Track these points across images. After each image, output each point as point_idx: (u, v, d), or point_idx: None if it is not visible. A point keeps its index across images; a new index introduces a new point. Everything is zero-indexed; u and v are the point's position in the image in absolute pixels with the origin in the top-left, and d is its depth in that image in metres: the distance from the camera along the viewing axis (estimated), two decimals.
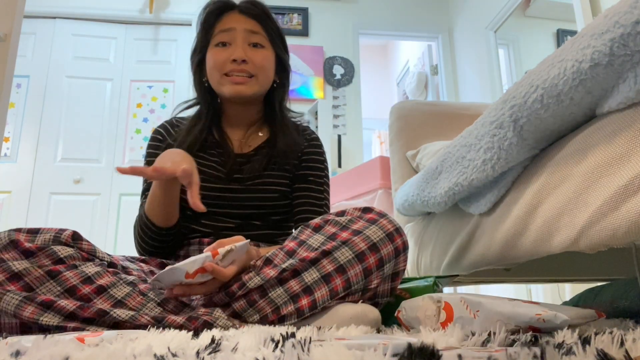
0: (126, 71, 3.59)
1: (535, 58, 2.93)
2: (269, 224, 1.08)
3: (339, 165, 3.44)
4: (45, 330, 0.67)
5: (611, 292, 1.06)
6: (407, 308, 0.80)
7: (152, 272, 0.90)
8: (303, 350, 0.39)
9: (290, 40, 1.17)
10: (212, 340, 0.49)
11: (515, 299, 0.68)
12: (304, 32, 3.83)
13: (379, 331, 0.77)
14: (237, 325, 0.74)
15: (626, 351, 0.38)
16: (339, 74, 3.81)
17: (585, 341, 0.43)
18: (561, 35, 2.76)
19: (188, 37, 3.68)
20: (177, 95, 3.56)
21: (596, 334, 0.46)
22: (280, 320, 0.75)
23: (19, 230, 0.77)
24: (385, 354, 0.37)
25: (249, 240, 0.80)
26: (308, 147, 1.15)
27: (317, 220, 0.86)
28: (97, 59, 3.59)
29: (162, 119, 3.45)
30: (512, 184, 0.90)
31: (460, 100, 3.80)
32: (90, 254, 0.80)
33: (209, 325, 0.71)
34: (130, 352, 0.42)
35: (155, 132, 1.14)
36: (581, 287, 1.48)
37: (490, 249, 0.96)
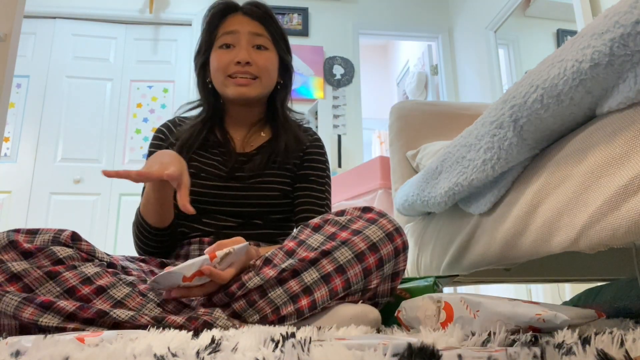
0: (126, 71, 3.59)
1: (535, 58, 2.93)
2: (270, 223, 1.08)
3: (339, 165, 3.44)
4: (45, 331, 0.67)
5: (611, 292, 1.06)
6: (407, 308, 0.80)
7: (152, 272, 0.90)
8: (303, 350, 0.39)
9: (290, 40, 1.18)
10: (212, 340, 0.49)
11: (515, 299, 0.68)
12: (304, 32, 3.83)
13: (379, 331, 0.77)
14: (237, 326, 0.74)
15: (626, 351, 0.38)
16: (339, 74, 3.81)
17: (585, 341, 0.43)
18: (561, 35, 2.76)
19: (188, 37, 3.68)
20: (177, 95, 3.56)
21: (596, 334, 0.46)
22: (280, 320, 0.75)
23: (17, 230, 0.76)
24: (385, 354, 0.37)
25: (248, 242, 0.80)
26: (310, 147, 1.15)
27: (316, 220, 0.86)
28: (97, 59, 3.59)
29: (162, 119, 3.46)
30: (512, 184, 0.90)
31: (460, 100, 3.80)
32: (90, 255, 0.80)
33: (209, 326, 0.71)
34: (130, 352, 0.42)
35: (158, 131, 1.15)
36: (581, 287, 1.48)
37: (490, 249, 0.96)
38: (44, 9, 3.53)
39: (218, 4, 1.11)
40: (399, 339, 0.52)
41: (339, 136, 3.56)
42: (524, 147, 0.82)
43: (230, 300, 0.77)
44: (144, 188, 1.09)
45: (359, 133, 3.74)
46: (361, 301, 0.80)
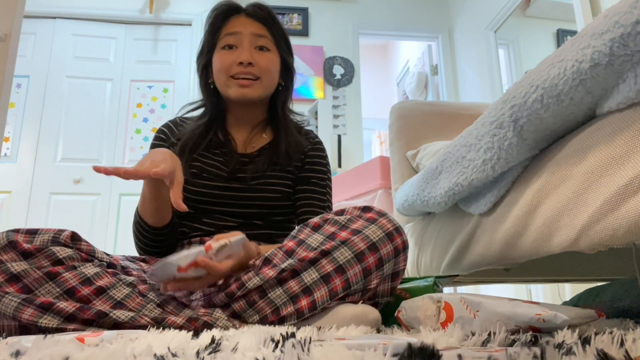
0: (126, 71, 3.59)
1: (535, 58, 2.93)
2: (271, 224, 1.08)
3: (339, 165, 3.44)
4: (45, 332, 0.67)
5: (611, 292, 1.06)
6: (407, 308, 0.80)
7: None
8: (303, 350, 0.39)
9: (290, 40, 1.18)
10: (212, 340, 0.49)
11: (515, 299, 0.68)
12: (304, 32, 3.83)
13: (379, 331, 0.77)
14: (237, 326, 0.74)
15: (626, 351, 0.38)
16: (339, 74, 3.81)
17: (585, 341, 0.43)
18: (561, 35, 2.76)
19: (188, 37, 3.68)
20: (177, 95, 3.56)
21: (596, 334, 0.46)
22: (280, 321, 0.75)
23: (17, 230, 0.76)
24: (385, 354, 0.37)
25: (244, 235, 0.80)
26: (311, 150, 1.16)
27: (316, 220, 0.86)
28: (97, 59, 3.59)
29: (162, 119, 3.46)
30: (512, 184, 0.90)
31: (460, 100, 3.80)
32: (90, 255, 0.80)
33: (209, 326, 0.71)
34: (130, 352, 0.42)
35: (159, 131, 1.15)
36: (581, 287, 1.48)
37: (490, 249, 0.96)
38: (44, 9, 3.53)
39: (221, 5, 1.11)
40: (399, 339, 0.52)
41: (339, 136, 3.56)
42: (524, 147, 0.82)
43: (230, 301, 0.77)
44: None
45: (359, 133, 3.74)
46: (361, 301, 0.80)
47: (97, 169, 0.75)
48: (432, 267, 1.30)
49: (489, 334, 0.54)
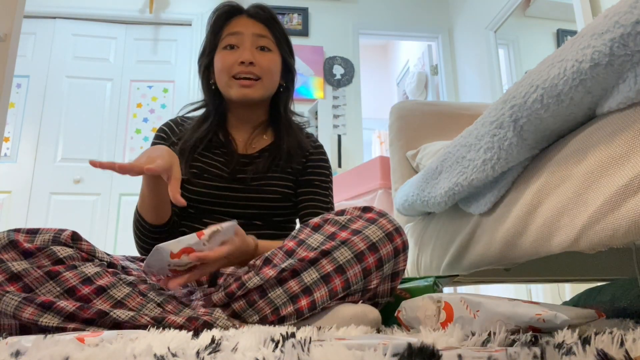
0: (126, 71, 3.59)
1: (535, 58, 2.93)
2: (271, 225, 1.08)
3: (339, 165, 3.44)
4: (45, 331, 0.67)
5: (611, 292, 1.06)
6: (407, 308, 0.80)
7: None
8: (303, 350, 0.39)
9: (291, 41, 1.18)
10: (212, 340, 0.49)
11: (515, 299, 0.68)
12: (304, 32, 3.83)
13: (379, 331, 0.77)
14: (237, 326, 0.74)
15: (626, 351, 0.38)
16: (339, 74, 3.81)
17: (585, 341, 0.43)
18: (561, 35, 2.76)
19: (188, 37, 3.68)
20: (177, 95, 3.56)
21: (596, 334, 0.46)
22: (280, 320, 0.75)
23: (18, 230, 0.77)
24: (385, 354, 0.37)
25: (235, 221, 0.81)
26: (313, 154, 1.16)
27: (316, 220, 0.86)
28: (97, 59, 3.59)
29: (162, 119, 3.46)
30: (512, 184, 0.90)
31: (460, 100, 3.80)
32: (90, 255, 0.80)
33: (209, 326, 0.71)
34: (130, 352, 0.42)
35: (160, 130, 1.15)
36: (581, 287, 1.48)
37: (490, 249, 0.96)
38: (44, 9, 3.53)
39: (223, 6, 1.12)
40: (399, 339, 0.52)
41: (339, 136, 3.56)
42: (524, 147, 0.82)
43: (230, 300, 0.77)
44: None
45: (359, 133, 3.74)
46: (361, 301, 0.80)
47: (93, 164, 0.76)
48: (432, 267, 1.30)
49: (489, 334, 0.54)
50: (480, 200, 0.99)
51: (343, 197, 2.62)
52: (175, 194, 0.80)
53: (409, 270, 1.46)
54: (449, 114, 1.86)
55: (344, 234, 0.80)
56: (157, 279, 0.80)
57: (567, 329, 0.56)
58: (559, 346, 0.43)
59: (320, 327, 0.69)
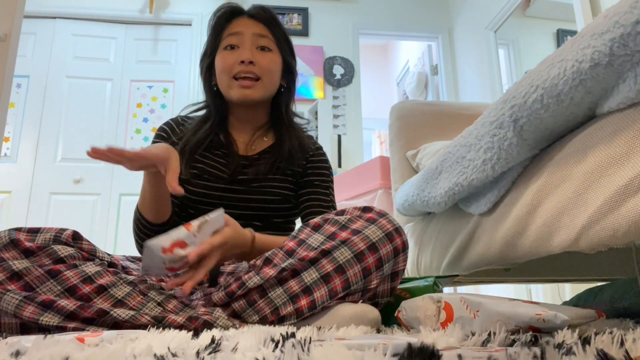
0: (126, 71, 3.59)
1: (535, 58, 2.93)
2: (270, 226, 1.08)
3: (339, 165, 3.44)
4: (45, 330, 0.67)
5: (611, 292, 1.06)
6: (407, 308, 0.80)
7: None
8: (303, 350, 0.39)
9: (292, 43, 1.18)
10: (212, 340, 0.49)
11: (515, 299, 0.68)
12: (304, 32, 3.83)
13: (379, 331, 0.77)
14: (237, 325, 0.74)
15: (626, 351, 0.38)
16: (339, 74, 3.81)
17: (585, 341, 0.43)
18: (561, 35, 2.76)
19: (188, 37, 3.68)
20: (177, 95, 3.56)
21: (596, 334, 0.46)
22: (280, 320, 0.75)
23: (19, 229, 0.77)
24: (385, 354, 0.37)
25: (222, 209, 0.81)
26: (314, 155, 1.16)
27: (316, 219, 0.87)
28: (97, 59, 3.59)
29: (162, 119, 3.46)
30: (512, 184, 0.90)
31: (460, 100, 3.80)
32: (91, 254, 0.80)
33: (209, 325, 0.71)
34: (130, 352, 0.42)
35: (160, 129, 1.15)
36: (581, 287, 1.48)
37: (490, 249, 0.96)
38: (44, 9, 3.53)
39: (223, 7, 1.12)
40: (399, 339, 0.52)
41: (339, 136, 3.56)
42: (524, 147, 0.82)
43: (230, 300, 0.77)
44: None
45: (359, 133, 3.74)
46: (361, 301, 0.80)
47: (90, 154, 0.75)
48: (432, 267, 1.30)
49: (489, 334, 0.54)
50: (480, 200, 0.99)
51: (343, 197, 2.62)
52: (172, 182, 0.80)
53: (409, 270, 1.46)
54: (449, 114, 1.86)
55: (344, 234, 0.80)
56: (157, 280, 0.80)
57: (567, 329, 0.56)
58: (559, 346, 0.43)
59: (320, 327, 0.69)
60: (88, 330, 0.67)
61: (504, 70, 3.27)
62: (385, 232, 0.81)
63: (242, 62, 1.06)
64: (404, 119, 1.85)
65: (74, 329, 0.67)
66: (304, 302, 0.75)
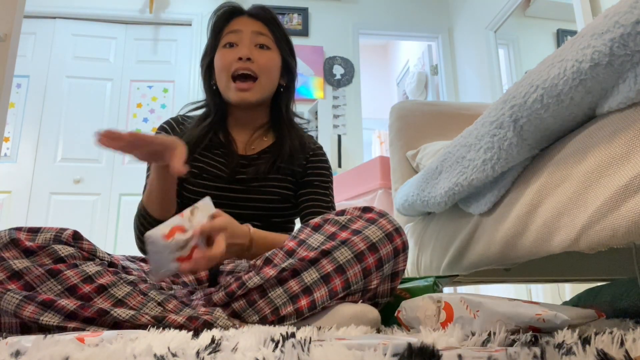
0: (126, 71, 3.59)
1: (535, 58, 2.93)
2: (270, 226, 1.08)
3: (339, 165, 3.44)
4: (46, 330, 0.67)
5: (611, 292, 1.06)
6: (407, 308, 0.80)
7: None
8: (303, 350, 0.39)
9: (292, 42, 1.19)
10: (212, 340, 0.49)
11: (515, 299, 0.68)
12: (304, 32, 3.83)
13: (379, 331, 0.77)
14: (237, 325, 0.74)
15: (626, 351, 0.38)
16: (339, 74, 3.81)
17: (585, 341, 0.43)
18: (561, 35, 2.76)
19: (188, 37, 3.68)
20: (177, 95, 3.56)
21: (596, 334, 0.46)
22: (280, 320, 0.75)
23: (19, 229, 0.77)
24: (385, 354, 0.37)
25: (208, 197, 0.84)
26: (314, 156, 1.16)
27: (316, 220, 0.87)
28: (97, 59, 3.59)
29: (162, 119, 3.45)
30: (512, 184, 0.90)
31: (460, 100, 3.80)
32: (91, 254, 0.80)
33: (209, 325, 0.71)
34: (130, 352, 0.42)
35: (161, 128, 1.15)
36: (581, 287, 1.48)
37: (490, 249, 0.96)
38: (44, 9, 3.53)
39: (223, 6, 1.12)
40: (399, 339, 0.52)
41: (339, 136, 3.56)
42: (524, 147, 0.82)
43: (230, 300, 0.77)
44: (145, 185, 1.09)
45: (359, 133, 3.74)
46: (361, 301, 0.80)
47: (101, 141, 0.75)
48: (432, 267, 1.30)
49: (489, 334, 0.54)
50: (480, 200, 0.99)
51: (343, 197, 2.62)
52: (175, 163, 0.80)
53: (409, 270, 1.46)
54: (449, 114, 1.86)
55: (344, 234, 0.80)
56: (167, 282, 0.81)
57: (567, 329, 0.56)
58: (559, 346, 0.43)
59: (320, 327, 0.69)
60: (88, 330, 0.67)
61: (504, 70, 3.28)
62: (386, 233, 0.81)
63: (240, 58, 1.06)
64: (404, 119, 1.85)
65: (74, 329, 0.68)
66: (304, 302, 0.75)
